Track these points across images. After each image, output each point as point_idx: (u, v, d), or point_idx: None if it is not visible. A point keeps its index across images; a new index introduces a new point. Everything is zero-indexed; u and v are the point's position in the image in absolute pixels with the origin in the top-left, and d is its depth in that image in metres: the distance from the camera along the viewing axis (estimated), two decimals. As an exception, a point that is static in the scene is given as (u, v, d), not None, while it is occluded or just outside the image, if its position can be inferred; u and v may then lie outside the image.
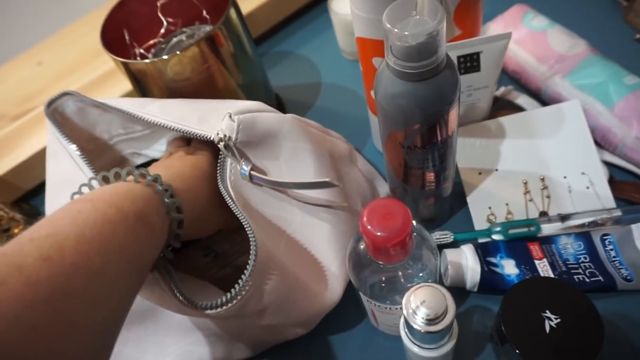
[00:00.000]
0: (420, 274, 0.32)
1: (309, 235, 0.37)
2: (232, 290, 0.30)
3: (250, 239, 0.31)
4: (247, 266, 0.30)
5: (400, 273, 0.32)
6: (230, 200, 0.32)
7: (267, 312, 0.33)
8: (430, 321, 0.26)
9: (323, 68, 0.64)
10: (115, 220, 0.26)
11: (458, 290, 0.41)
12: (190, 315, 0.35)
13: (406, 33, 0.27)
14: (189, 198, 0.33)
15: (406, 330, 0.30)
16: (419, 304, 0.27)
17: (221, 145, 0.32)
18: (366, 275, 0.33)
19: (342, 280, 0.38)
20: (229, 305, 0.30)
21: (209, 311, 0.30)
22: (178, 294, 0.30)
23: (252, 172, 0.33)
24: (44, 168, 0.60)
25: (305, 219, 0.36)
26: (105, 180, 0.32)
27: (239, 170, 0.33)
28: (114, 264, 0.25)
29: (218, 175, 0.34)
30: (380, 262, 0.30)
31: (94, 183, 0.32)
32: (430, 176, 0.38)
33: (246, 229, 0.32)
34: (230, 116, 0.32)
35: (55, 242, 0.23)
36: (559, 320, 0.33)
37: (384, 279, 0.32)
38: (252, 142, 0.34)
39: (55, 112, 0.40)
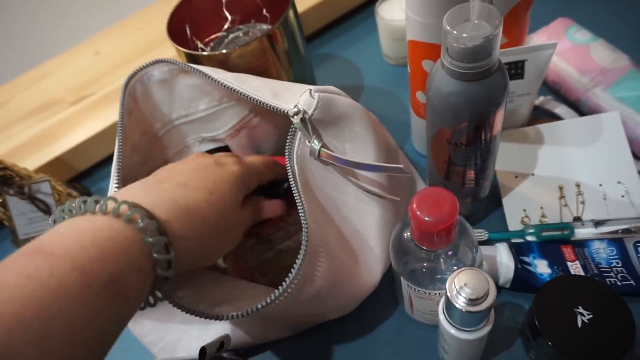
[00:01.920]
0: (459, 265, 0.34)
1: (360, 218, 0.39)
2: (285, 280, 0.32)
3: (303, 223, 0.33)
4: (299, 253, 0.32)
5: (440, 261, 0.34)
6: (291, 177, 0.35)
7: (319, 296, 0.35)
8: (472, 301, 0.28)
9: (365, 71, 0.66)
10: (73, 291, 0.21)
11: (491, 286, 0.42)
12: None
13: (464, 35, 0.29)
14: (194, 227, 0.29)
15: (445, 313, 0.32)
16: (463, 285, 0.29)
17: (297, 118, 0.34)
18: (408, 261, 0.35)
19: (383, 265, 0.40)
20: (285, 295, 0.32)
21: (264, 307, 0.32)
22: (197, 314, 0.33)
23: (323, 149, 0.35)
24: (96, 151, 0.64)
25: (358, 203, 0.39)
26: (79, 209, 0.26)
27: (308, 146, 0.35)
28: (58, 350, 0.21)
29: (286, 149, 0.35)
30: (424, 248, 0.33)
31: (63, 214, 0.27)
32: (471, 174, 0.40)
33: (299, 212, 0.34)
34: (310, 92, 0.35)
35: None
36: (591, 316, 0.34)
37: (424, 265, 0.34)
38: (325, 121, 0.36)
39: (128, 96, 0.41)
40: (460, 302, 0.29)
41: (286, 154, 0.35)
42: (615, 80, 0.48)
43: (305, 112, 0.34)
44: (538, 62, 0.44)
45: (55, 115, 0.66)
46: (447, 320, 0.32)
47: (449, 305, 0.30)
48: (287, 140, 0.35)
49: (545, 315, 0.35)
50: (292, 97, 0.35)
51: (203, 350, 0.35)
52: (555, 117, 0.52)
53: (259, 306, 0.32)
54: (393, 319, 0.43)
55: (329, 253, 0.35)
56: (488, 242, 0.45)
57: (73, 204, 0.27)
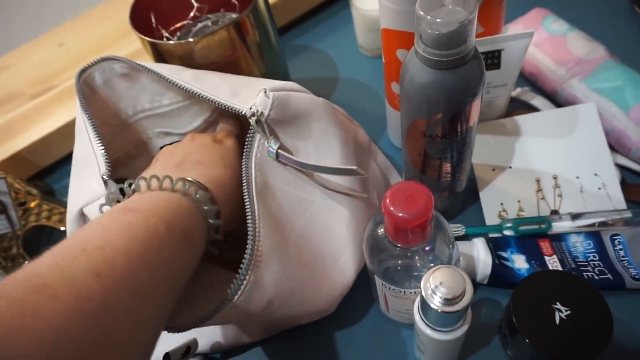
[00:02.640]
0: (435, 261, 0.33)
1: (328, 218, 0.37)
2: (230, 287, 0.30)
3: (249, 229, 0.32)
4: (243, 260, 0.30)
5: (416, 258, 0.33)
6: (245, 181, 0.33)
7: (275, 304, 0.33)
8: (448, 301, 0.27)
9: (341, 63, 0.64)
10: (164, 237, 0.26)
11: (468, 282, 0.41)
12: None
13: (438, 20, 0.28)
14: (224, 199, 0.33)
15: (421, 312, 0.31)
16: (438, 284, 0.27)
17: (253, 120, 0.32)
18: (382, 259, 0.34)
19: (356, 264, 0.39)
20: (228, 304, 0.30)
21: (210, 315, 0.30)
22: None
23: (280, 151, 0.33)
24: (59, 146, 0.61)
25: (326, 201, 0.37)
26: (137, 188, 0.31)
27: (266, 147, 0.34)
28: (160, 281, 0.25)
29: (244, 152, 0.34)
30: (399, 245, 0.31)
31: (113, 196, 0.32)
32: (447, 167, 0.39)
33: (247, 219, 0.32)
34: (265, 92, 0.33)
35: (106, 256, 0.23)
36: (569, 312, 0.33)
37: (399, 263, 0.33)
38: (283, 121, 0.34)
39: (84, 83, 0.40)
40: (435, 302, 0.28)
41: (244, 157, 0.34)
42: (592, 71, 0.47)
43: (261, 113, 0.32)
44: (515, 51, 0.43)
45: (15, 110, 0.63)
46: (423, 320, 0.31)
47: (424, 305, 0.29)
48: (246, 142, 0.34)
49: (523, 312, 0.34)
50: (252, 94, 0.34)
51: (167, 356, 0.33)
52: (532, 109, 0.51)
53: (204, 315, 0.30)
54: (368, 318, 0.42)
55: (285, 259, 0.33)
56: (465, 237, 0.44)
57: (127, 185, 0.31)
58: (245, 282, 0.30)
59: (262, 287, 0.31)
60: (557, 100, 0.51)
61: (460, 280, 0.27)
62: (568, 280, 0.35)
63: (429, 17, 0.28)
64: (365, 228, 0.35)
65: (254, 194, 0.33)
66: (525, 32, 0.42)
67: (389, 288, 0.34)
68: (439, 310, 0.28)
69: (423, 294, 0.28)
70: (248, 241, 0.31)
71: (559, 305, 0.34)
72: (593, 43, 0.49)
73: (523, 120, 0.47)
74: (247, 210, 0.32)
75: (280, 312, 0.34)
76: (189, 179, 0.31)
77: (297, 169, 0.35)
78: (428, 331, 0.31)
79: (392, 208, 0.29)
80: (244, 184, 0.33)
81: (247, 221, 0.32)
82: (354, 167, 0.34)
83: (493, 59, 0.43)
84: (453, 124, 0.34)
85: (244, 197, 0.33)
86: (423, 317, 0.31)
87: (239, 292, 0.30)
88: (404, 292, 0.33)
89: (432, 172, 0.40)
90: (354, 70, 0.63)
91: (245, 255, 0.31)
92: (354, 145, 0.40)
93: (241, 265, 0.30)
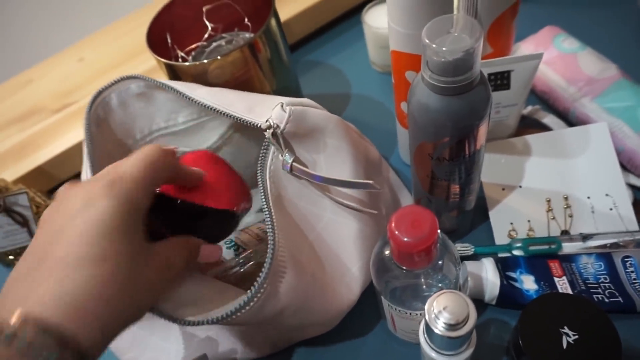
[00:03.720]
0: (441, 283, 0.33)
1: (337, 233, 0.38)
2: (247, 293, 0.31)
3: (269, 238, 0.32)
4: (263, 268, 0.31)
5: (422, 280, 0.33)
6: (262, 191, 0.34)
7: (285, 314, 0.34)
8: (451, 326, 0.27)
9: (353, 79, 0.65)
10: None
11: (476, 303, 0.41)
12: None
13: (444, 49, 0.28)
14: (91, 320, 0.23)
15: (426, 335, 0.31)
16: (442, 309, 0.28)
17: (269, 132, 0.33)
18: (389, 280, 0.34)
19: (362, 281, 0.39)
20: (244, 310, 0.30)
21: (222, 319, 0.30)
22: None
23: (295, 164, 0.34)
24: (80, 160, 0.63)
25: (336, 216, 0.38)
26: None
27: (280, 160, 0.34)
28: None
29: (259, 163, 0.34)
30: (404, 268, 0.32)
31: None
32: (456, 188, 0.39)
33: (266, 227, 0.33)
34: (282, 106, 0.34)
35: None
36: (576, 336, 0.33)
37: (406, 284, 0.33)
38: (298, 134, 0.35)
39: (100, 105, 0.41)
40: (439, 327, 0.28)
41: (258, 168, 0.34)
42: (604, 90, 0.47)
43: (277, 126, 0.33)
44: (524, 72, 0.43)
45: (37, 124, 0.65)
46: (428, 344, 0.31)
47: (429, 329, 0.29)
48: (260, 154, 0.34)
49: (530, 334, 0.34)
50: (266, 110, 0.34)
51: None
52: (544, 127, 0.51)
53: (217, 317, 0.31)
54: (376, 335, 0.42)
55: (299, 270, 0.34)
56: (474, 256, 0.44)
57: None
58: (262, 291, 0.31)
59: (277, 296, 0.32)
60: (569, 119, 0.51)
61: (464, 305, 0.27)
62: (576, 303, 0.35)
63: (434, 45, 0.29)
64: (373, 245, 0.36)
65: (271, 204, 0.34)
66: (535, 53, 0.42)
67: (396, 309, 0.34)
68: (443, 335, 0.28)
69: (427, 318, 0.28)
70: (268, 250, 0.32)
71: (566, 330, 0.34)
72: (605, 62, 0.49)
73: (533, 139, 0.47)
74: (266, 221, 0.33)
75: (289, 321, 0.35)
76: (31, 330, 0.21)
77: (309, 182, 0.36)
78: (433, 354, 0.31)
79: (397, 232, 0.29)
80: (261, 194, 0.34)
81: (267, 230, 0.33)
82: (370, 182, 0.35)
83: (502, 80, 0.43)
84: (460, 147, 0.34)
85: (263, 207, 0.33)
86: (428, 341, 0.31)
87: (255, 299, 0.31)
88: (410, 314, 0.34)
89: (441, 193, 0.40)
90: (365, 86, 0.64)
91: (265, 264, 0.31)
92: (365, 162, 0.41)
93: (260, 274, 0.31)
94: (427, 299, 0.29)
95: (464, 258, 0.43)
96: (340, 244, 0.38)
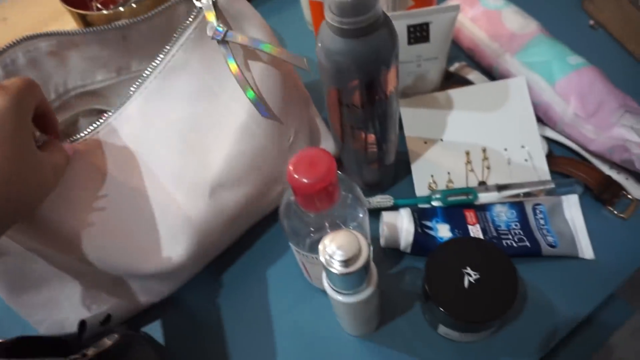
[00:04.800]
0: (347, 226, 0.34)
1: (225, 119, 0.39)
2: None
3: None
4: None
5: (327, 224, 0.33)
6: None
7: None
8: (344, 262, 0.28)
9: (289, 40, 0.64)
10: None
11: (393, 251, 0.42)
12: None
13: (339, -14, 0.28)
14: None
15: (328, 279, 0.32)
16: (335, 249, 0.28)
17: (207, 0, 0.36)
18: (296, 226, 0.34)
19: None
20: None
21: None
22: None
23: (230, 31, 0.36)
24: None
25: (231, 102, 0.39)
26: None
27: (213, 27, 0.36)
28: None
29: (176, 33, 0.37)
30: (307, 211, 0.32)
31: None
32: (371, 138, 0.39)
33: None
34: None
35: None
36: (477, 275, 0.34)
37: (312, 229, 0.34)
38: (228, 12, 0.37)
39: (1, 64, 0.39)
40: (334, 266, 0.28)
41: (175, 35, 0.37)
42: (523, 46, 0.48)
43: None
44: (443, 24, 0.43)
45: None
46: (330, 285, 0.31)
47: (326, 270, 0.29)
48: (182, 25, 0.37)
49: (435, 277, 0.35)
50: None
51: (82, 323, 0.34)
52: (469, 84, 0.52)
53: None
54: (294, 287, 0.43)
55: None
56: (394, 208, 0.44)
57: None
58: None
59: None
60: (493, 74, 0.52)
61: (354, 241, 0.28)
62: (480, 246, 0.36)
63: (330, -17, 0.28)
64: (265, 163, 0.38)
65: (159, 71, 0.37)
66: (451, 5, 0.42)
67: (304, 255, 0.35)
68: (338, 273, 0.28)
69: (321, 259, 0.28)
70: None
71: (468, 270, 0.35)
72: (526, 18, 0.50)
73: (456, 94, 0.48)
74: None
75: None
76: None
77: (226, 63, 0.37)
78: (337, 296, 0.32)
79: (295, 174, 0.29)
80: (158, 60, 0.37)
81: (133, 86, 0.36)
82: (304, 58, 0.38)
83: (422, 32, 0.43)
84: (369, 93, 0.34)
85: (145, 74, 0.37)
86: (330, 284, 0.32)
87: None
88: (316, 258, 0.34)
89: (357, 144, 0.40)
90: (302, 47, 0.63)
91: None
92: (292, 86, 0.42)
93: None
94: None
95: (384, 209, 0.44)
96: (222, 130, 0.39)
